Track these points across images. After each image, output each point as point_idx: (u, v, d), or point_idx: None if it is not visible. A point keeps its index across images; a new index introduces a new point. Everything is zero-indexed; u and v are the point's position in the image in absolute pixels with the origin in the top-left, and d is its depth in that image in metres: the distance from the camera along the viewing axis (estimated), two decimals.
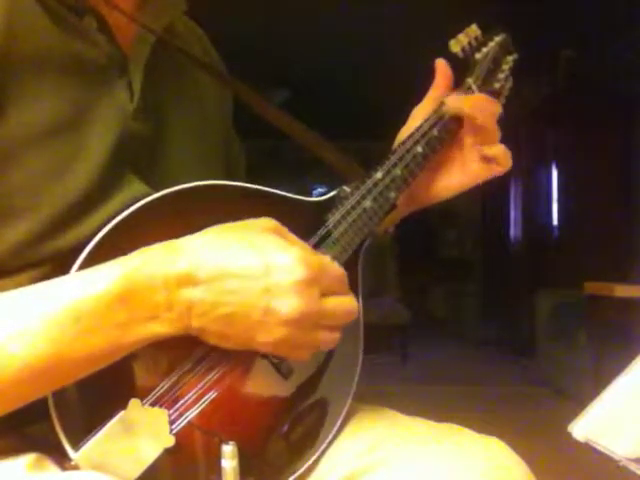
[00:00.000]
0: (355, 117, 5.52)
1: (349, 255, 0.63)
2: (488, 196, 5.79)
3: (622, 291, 2.81)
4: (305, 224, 0.57)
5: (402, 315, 5.10)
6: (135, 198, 0.54)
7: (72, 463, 0.48)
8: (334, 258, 0.54)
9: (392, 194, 0.66)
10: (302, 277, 0.48)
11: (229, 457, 0.50)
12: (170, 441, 0.50)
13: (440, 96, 0.73)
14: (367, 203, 0.64)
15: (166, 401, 0.51)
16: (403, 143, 0.69)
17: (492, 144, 0.70)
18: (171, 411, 0.51)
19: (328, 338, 0.51)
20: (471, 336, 5.97)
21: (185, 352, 0.53)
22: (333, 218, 0.62)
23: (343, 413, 0.63)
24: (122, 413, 0.49)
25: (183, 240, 0.49)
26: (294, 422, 0.59)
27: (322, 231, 0.62)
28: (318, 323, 0.50)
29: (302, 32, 4.14)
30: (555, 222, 5.01)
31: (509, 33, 0.79)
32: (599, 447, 0.62)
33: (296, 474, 0.59)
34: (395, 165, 0.67)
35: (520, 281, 5.26)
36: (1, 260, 0.51)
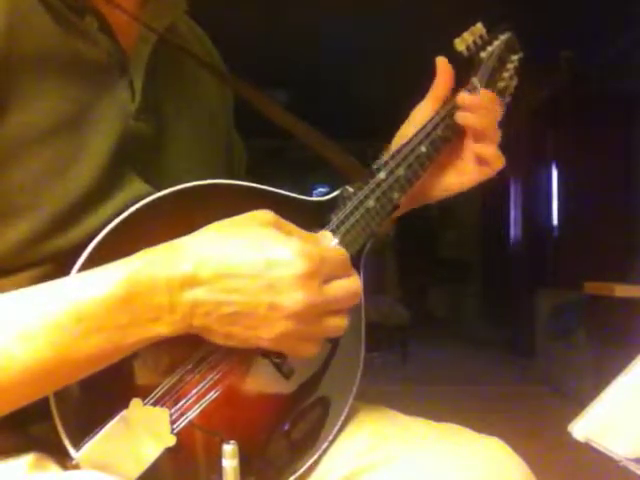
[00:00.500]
0: (355, 117, 5.52)
1: (351, 255, 0.63)
2: (488, 196, 5.79)
3: (622, 291, 2.81)
4: (308, 224, 0.57)
5: (402, 315, 5.10)
6: (136, 197, 0.54)
7: (73, 462, 0.48)
8: None
9: (395, 194, 0.66)
10: (303, 270, 0.48)
11: (230, 457, 0.50)
12: (171, 440, 0.51)
13: (441, 95, 0.73)
14: (370, 203, 0.64)
15: (167, 401, 0.51)
16: (407, 143, 0.68)
17: (487, 145, 0.70)
18: (172, 410, 0.51)
19: (336, 324, 0.51)
20: (471, 336, 5.97)
21: (186, 352, 0.53)
22: (336, 218, 0.62)
23: (344, 413, 0.63)
24: (123, 413, 0.49)
25: (184, 240, 0.49)
26: (295, 422, 0.59)
27: (325, 231, 0.62)
28: (324, 311, 0.50)
29: (301, 32, 4.14)
30: (555, 222, 5.01)
31: (514, 31, 0.78)
32: (599, 447, 0.62)
33: (297, 474, 0.59)
34: (399, 165, 0.66)
35: (520, 281, 5.26)
36: (2, 259, 0.51)
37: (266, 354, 0.56)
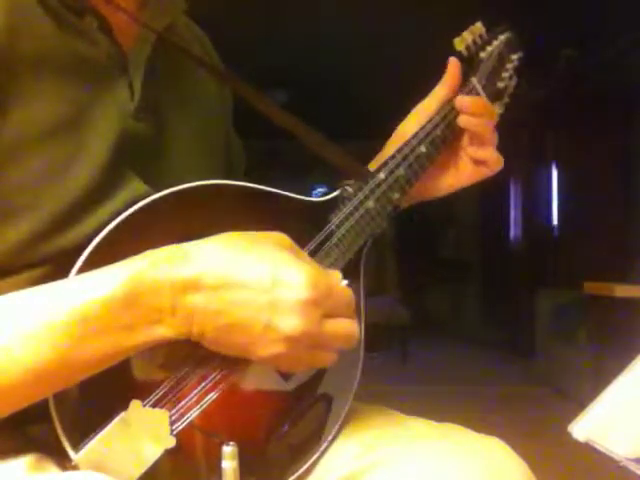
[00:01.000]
0: (355, 117, 5.52)
1: (352, 255, 0.63)
2: (488, 196, 5.80)
3: (622, 291, 2.81)
4: (308, 224, 0.57)
5: (402, 315, 5.10)
6: (136, 197, 0.54)
7: (72, 464, 0.48)
8: (337, 259, 0.53)
9: (395, 195, 0.66)
10: (307, 297, 0.47)
11: (229, 458, 0.50)
12: (171, 442, 0.50)
13: (445, 95, 0.72)
14: (370, 203, 0.64)
15: (167, 402, 0.51)
16: (406, 143, 0.68)
17: (484, 147, 0.70)
18: (172, 412, 0.51)
19: (324, 358, 0.51)
20: (471, 336, 5.97)
21: (186, 353, 0.52)
22: (336, 218, 0.62)
23: (344, 414, 0.63)
24: (123, 414, 0.49)
25: (192, 245, 0.49)
26: (294, 423, 0.59)
27: (325, 231, 0.62)
28: (316, 344, 0.50)
29: (301, 33, 4.14)
30: (555, 222, 5.02)
31: (513, 31, 0.78)
32: (599, 447, 0.62)
33: (296, 474, 0.59)
34: (398, 165, 0.66)
35: (520, 281, 5.27)
36: (2, 259, 0.51)
37: None
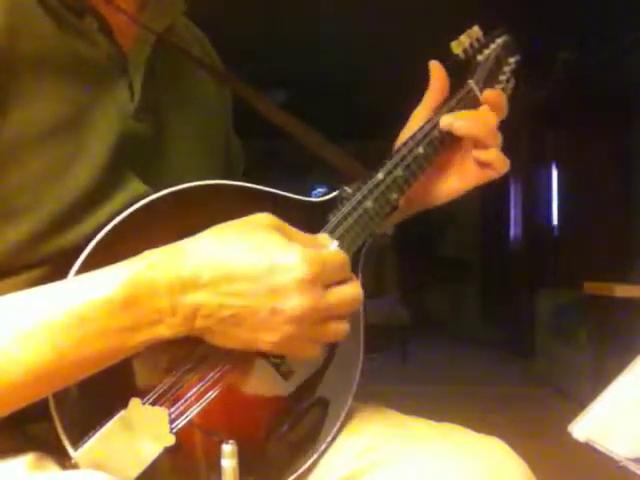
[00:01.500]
0: (355, 117, 5.52)
1: (351, 256, 0.63)
2: (488, 196, 5.79)
3: (622, 291, 2.81)
4: (306, 224, 0.57)
5: (402, 315, 5.10)
6: (135, 198, 0.54)
7: (72, 462, 0.48)
8: None
9: (394, 195, 0.66)
10: (304, 275, 0.48)
11: (229, 456, 0.50)
12: (170, 440, 0.51)
13: (437, 99, 0.73)
14: (368, 204, 0.64)
15: (166, 400, 0.51)
16: (405, 144, 0.68)
17: (488, 149, 0.70)
18: (171, 410, 0.51)
19: (337, 329, 0.52)
20: (471, 336, 5.97)
21: (186, 351, 0.53)
22: (334, 218, 0.62)
23: (343, 413, 0.63)
24: (122, 412, 0.49)
25: (186, 242, 0.49)
26: (294, 422, 0.59)
27: (324, 231, 0.62)
28: (325, 316, 0.50)
29: (301, 33, 4.14)
30: (555, 222, 5.02)
31: (511, 34, 0.78)
32: (599, 447, 0.63)
33: (296, 474, 0.59)
34: (397, 166, 0.66)
35: (520, 281, 5.27)
36: (1, 260, 0.51)
37: (265, 354, 0.56)
